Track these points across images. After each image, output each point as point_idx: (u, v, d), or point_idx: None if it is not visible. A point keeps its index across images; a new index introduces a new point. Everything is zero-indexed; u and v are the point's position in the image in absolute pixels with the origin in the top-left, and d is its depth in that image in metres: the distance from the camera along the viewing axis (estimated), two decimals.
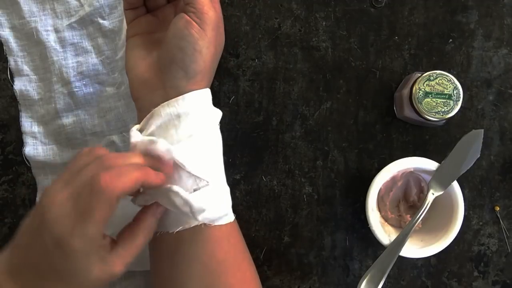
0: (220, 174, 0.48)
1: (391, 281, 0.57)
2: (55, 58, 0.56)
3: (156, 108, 0.46)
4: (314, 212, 0.57)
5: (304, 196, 0.57)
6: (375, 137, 0.57)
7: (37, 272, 0.39)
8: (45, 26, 0.56)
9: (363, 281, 0.48)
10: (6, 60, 0.57)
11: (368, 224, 0.52)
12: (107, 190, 0.37)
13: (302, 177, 0.57)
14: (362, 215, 0.56)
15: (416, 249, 0.51)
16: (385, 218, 0.55)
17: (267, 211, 0.57)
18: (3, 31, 0.57)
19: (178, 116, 0.45)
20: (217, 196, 0.46)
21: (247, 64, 0.57)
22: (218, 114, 0.49)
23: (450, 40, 0.57)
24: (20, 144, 0.57)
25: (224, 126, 0.57)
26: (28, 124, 0.57)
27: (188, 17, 0.45)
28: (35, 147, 0.56)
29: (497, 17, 0.57)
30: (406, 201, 0.55)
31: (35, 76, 0.57)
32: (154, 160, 0.43)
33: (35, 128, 0.57)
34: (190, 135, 0.45)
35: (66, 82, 0.56)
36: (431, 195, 0.51)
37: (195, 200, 0.43)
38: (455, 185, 0.51)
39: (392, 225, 0.55)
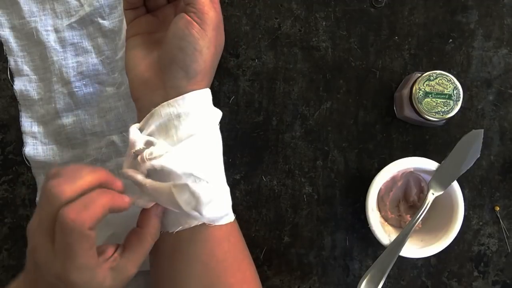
0: (220, 174, 0.48)
1: (391, 281, 0.57)
2: (55, 58, 0.56)
3: (156, 108, 0.46)
4: (314, 212, 0.57)
5: (304, 196, 0.57)
6: (375, 137, 0.57)
7: None
8: (45, 26, 0.56)
9: (363, 281, 0.48)
10: (6, 60, 0.57)
11: (368, 224, 0.52)
12: (77, 226, 0.37)
13: (302, 177, 0.57)
14: (362, 215, 0.56)
15: (416, 249, 0.51)
16: (385, 218, 0.55)
17: (267, 211, 0.57)
18: (3, 31, 0.57)
19: (178, 116, 0.45)
20: (217, 196, 0.46)
21: (247, 64, 0.57)
22: (218, 114, 0.49)
23: (450, 40, 0.57)
24: (20, 144, 0.57)
25: (224, 126, 0.57)
26: (28, 124, 0.57)
27: (188, 17, 0.45)
28: (35, 147, 0.56)
29: (497, 17, 0.57)
30: (406, 201, 0.55)
31: (35, 76, 0.57)
32: (107, 175, 0.42)
33: (35, 128, 0.57)
34: (190, 135, 0.45)
35: (66, 82, 0.56)
36: (431, 195, 0.51)
37: (203, 192, 0.43)
38: (455, 185, 0.51)
39: (392, 225, 0.55)
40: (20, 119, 0.57)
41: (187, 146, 0.45)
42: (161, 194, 0.43)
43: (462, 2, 0.57)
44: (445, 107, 0.50)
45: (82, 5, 0.56)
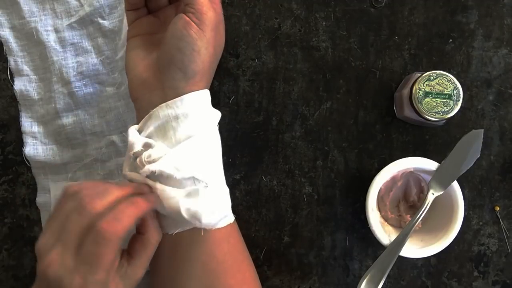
0: (219, 176, 0.47)
1: (391, 281, 0.57)
2: (55, 58, 0.56)
3: (154, 110, 0.45)
4: (314, 212, 0.57)
5: (304, 196, 0.57)
6: (375, 137, 0.57)
7: None
8: (45, 26, 0.56)
9: (363, 281, 0.48)
10: (6, 60, 0.57)
11: (368, 224, 0.52)
12: (111, 237, 0.38)
13: (302, 177, 0.57)
14: (362, 215, 0.56)
15: (416, 249, 0.51)
16: (385, 218, 0.55)
17: (267, 211, 0.57)
18: (3, 31, 0.57)
19: (176, 118, 0.45)
20: (216, 198, 0.45)
21: (247, 64, 0.57)
22: (217, 115, 0.48)
23: (450, 40, 0.57)
24: (20, 144, 0.57)
25: (224, 126, 0.57)
26: (28, 124, 0.57)
27: (187, 18, 0.45)
28: (35, 147, 0.56)
29: (497, 17, 0.57)
30: (406, 201, 0.55)
31: (35, 76, 0.57)
32: (135, 185, 0.44)
33: (35, 128, 0.57)
34: (189, 137, 0.45)
35: (66, 82, 0.56)
36: (431, 195, 0.51)
37: (203, 200, 0.43)
38: (455, 185, 0.51)
39: (392, 225, 0.55)
40: (20, 119, 0.57)
41: (186, 148, 0.45)
42: (166, 198, 0.43)
43: (462, 2, 0.57)
44: (445, 107, 0.50)
45: (82, 5, 0.56)
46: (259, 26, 0.57)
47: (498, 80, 0.57)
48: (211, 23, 0.45)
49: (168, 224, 0.46)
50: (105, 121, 0.56)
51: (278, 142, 0.57)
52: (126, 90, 0.55)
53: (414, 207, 0.55)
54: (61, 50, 0.56)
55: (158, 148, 0.44)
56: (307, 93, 0.57)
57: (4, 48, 0.57)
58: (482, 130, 0.50)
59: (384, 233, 0.51)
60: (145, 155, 0.44)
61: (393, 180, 0.54)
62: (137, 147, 0.45)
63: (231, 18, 0.57)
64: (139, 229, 0.45)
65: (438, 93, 0.50)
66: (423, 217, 0.51)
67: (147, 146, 0.45)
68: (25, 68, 0.57)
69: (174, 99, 0.45)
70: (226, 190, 0.48)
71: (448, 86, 0.50)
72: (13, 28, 0.57)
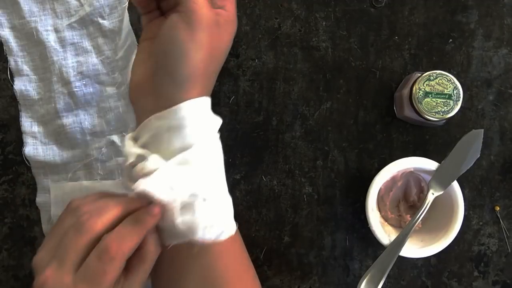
0: (219, 187, 0.44)
1: (391, 281, 0.57)
2: (55, 58, 0.56)
3: (147, 120, 0.43)
4: (314, 212, 0.57)
5: (304, 196, 0.57)
6: (375, 137, 0.57)
7: None
8: (45, 26, 0.56)
9: (363, 281, 0.48)
10: (6, 60, 0.57)
11: (368, 224, 0.52)
12: (117, 256, 0.38)
13: (302, 177, 0.57)
14: (362, 215, 0.56)
15: (416, 249, 0.51)
16: (385, 218, 0.55)
17: (267, 211, 0.57)
18: (3, 31, 0.57)
19: (169, 130, 0.42)
20: (215, 212, 0.43)
21: (247, 64, 0.57)
22: (217, 122, 0.45)
23: (450, 40, 0.57)
24: (20, 144, 0.57)
25: (224, 126, 0.57)
26: (28, 124, 0.57)
27: (176, 18, 0.41)
28: (35, 147, 0.56)
29: (497, 17, 0.57)
30: (406, 201, 0.55)
31: (35, 76, 0.57)
32: (136, 199, 0.41)
33: (35, 128, 0.57)
34: (184, 149, 0.42)
35: (66, 82, 0.56)
36: (431, 195, 0.51)
37: (190, 219, 0.41)
38: (455, 185, 0.51)
39: (392, 225, 0.55)
40: (20, 119, 0.57)
41: (181, 161, 0.42)
42: (165, 211, 0.41)
43: (462, 2, 0.57)
44: (445, 107, 0.50)
45: (82, 5, 0.56)
46: (259, 26, 0.57)
47: (498, 80, 0.57)
48: (203, 22, 0.41)
49: (165, 235, 0.43)
50: (105, 121, 0.56)
51: (278, 142, 0.57)
52: (126, 90, 0.55)
53: (414, 207, 0.55)
54: (61, 50, 0.56)
55: (152, 161, 0.41)
56: (307, 93, 0.57)
57: (4, 48, 0.57)
58: (482, 130, 0.50)
59: (384, 233, 0.51)
60: (139, 167, 0.42)
61: (393, 180, 0.54)
62: (131, 158, 0.42)
63: None
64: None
65: (438, 93, 0.50)
66: (423, 217, 0.51)
67: (141, 157, 0.42)
68: (25, 68, 0.57)
69: (167, 110, 0.42)
70: (227, 201, 0.45)
71: (448, 86, 0.50)
72: (13, 28, 0.57)
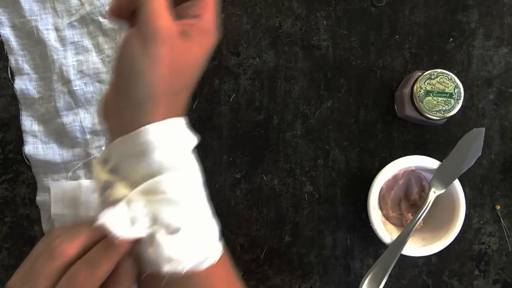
0: (197, 214, 0.39)
1: (392, 280, 0.57)
2: (55, 57, 0.56)
3: (112, 144, 0.39)
4: (315, 211, 0.57)
5: (305, 195, 0.57)
6: (376, 136, 0.57)
7: None
8: (46, 25, 0.56)
9: (365, 279, 0.48)
10: (6, 59, 0.57)
11: (369, 223, 0.52)
12: (87, 285, 0.35)
13: (303, 176, 0.57)
14: (363, 214, 0.56)
15: (417, 247, 0.51)
16: (387, 217, 0.55)
17: (268, 210, 0.57)
18: (4, 30, 0.56)
19: (132, 155, 0.38)
20: (193, 240, 0.38)
21: (248, 63, 0.57)
22: (191, 142, 0.40)
23: (451, 39, 0.57)
24: (21, 143, 0.57)
25: (225, 125, 0.57)
26: (28, 123, 0.56)
27: (131, 32, 0.37)
28: (35, 146, 0.56)
29: (497, 16, 0.57)
30: (407, 199, 0.55)
31: (36, 75, 0.57)
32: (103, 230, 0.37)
33: (35, 127, 0.56)
34: (152, 176, 0.37)
35: (66, 81, 0.56)
36: (433, 194, 0.51)
37: (151, 254, 0.37)
38: (457, 183, 0.51)
39: (393, 223, 0.55)
40: (20, 118, 0.56)
41: (146, 190, 0.38)
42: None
43: (462, 1, 0.57)
44: (446, 106, 0.51)
45: (82, 4, 0.56)
46: (260, 25, 0.57)
47: (498, 79, 0.57)
48: (159, 36, 0.36)
49: (140, 262, 0.39)
50: None
51: (279, 141, 0.57)
52: None
53: (415, 206, 0.55)
54: (62, 48, 0.56)
55: (117, 189, 0.38)
56: (308, 92, 0.57)
57: (5, 47, 0.57)
58: (483, 128, 0.50)
59: (386, 232, 0.51)
60: (108, 193, 0.38)
61: (395, 178, 0.54)
62: (99, 184, 0.39)
63: (232, 17, 0.57)
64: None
65: (439, 92, 0.50)
66: (425, 215, 0.51)
67: (108, 183, 0.39)
68: (26, 67, 0.57)
69: (129, 134, 0.38)
70: (210, 227, 0.40)
71: (449, 84, 0.51)
72: (13, 27, 0.57)
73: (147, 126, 0.37)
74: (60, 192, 0.56)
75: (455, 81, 0.51)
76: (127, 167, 0.38)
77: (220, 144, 0.57)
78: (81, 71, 0.56)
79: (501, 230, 0.57)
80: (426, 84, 0.50)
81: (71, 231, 0.38)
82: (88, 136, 0.56)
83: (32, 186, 0.57)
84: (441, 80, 0.51)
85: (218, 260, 0.40)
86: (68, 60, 0.56)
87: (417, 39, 0.57)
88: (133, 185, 0.38)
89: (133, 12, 0.39)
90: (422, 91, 0.50)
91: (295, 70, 0.57)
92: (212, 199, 0.53)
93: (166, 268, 0.37)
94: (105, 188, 0.39)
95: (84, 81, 0.56)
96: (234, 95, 0.57)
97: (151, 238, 0.37)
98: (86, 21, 0.56)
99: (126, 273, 0.38)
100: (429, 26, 0.57)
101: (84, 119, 0.56)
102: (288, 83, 0.57)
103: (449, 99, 0.51)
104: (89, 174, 0.57)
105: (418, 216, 0.50)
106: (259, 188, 0.57)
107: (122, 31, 0.56)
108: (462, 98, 0.51)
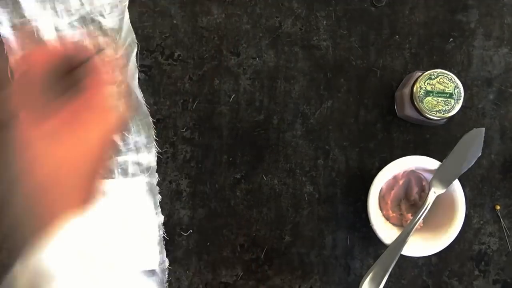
0: None
1: (392, 280, 0.57)
2: None
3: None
4: (315, 211, 0.57)
5: (305, 195, 0.57)
6: (376, 136, 0.57)
7: None
8: (46, 25, 0.56)
9: (365, 279, 0.48)
10: (6, 59, 0.57)
11: (369, 223, 0.52)
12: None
13: (303, 176, 0.57)
14: (363, 214, 0.56)
15: (417, 247, 0.51)
16: (387, 217, 0.55)
17: (268, 210, 0.57)
18: (4, 29, 0.56)
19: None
20: None
21: (248, 63, 0.57)
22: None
23: (451, 39, 0.57)
24: None
25: (225, 125, 0.57)
26: None
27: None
28: None
29: (497, 16, 0.57)
30: (407, 200, 0.55)
31: None
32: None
33: None
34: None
35: None
36: (433, 194, 0.51)
37: None
38: (456, 183, 0.51)
39: (393, 224, 0.55)
40: None
41: None
42: None
43: (462, 1, 0.57)
44: (446, 106, 0.51)
45: (82, 4, 0.56)
46: (260, 25, 0.57)
47: (498, 79, 0.57)
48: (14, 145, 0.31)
49: None
50: None
51: (279, 141, 0.57)
52: (127, 89, 0.55)
53: (415, 206, 0.55)
54: None
55: None
56: (308, 92, 0.57)
57: (5, 47, 0.57)
58: (483, 128, 0.50)
59: (386, 232, 0.51)
60: None
61: (395, 179, 0.54)
62: None
63: (232, 17, 0.57)
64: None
65: (439, 92, 0.50)
66: (425, 216, 0.51)
67: None
68: None
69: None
70: None
71: (449, 84, 0.51)
72: (13, 27, 0.57)
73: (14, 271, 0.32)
74: None
75: (455, 81, 0.51)
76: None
77: (220, 144, 0.57)
78: None
79: (501, 230, 0.57)
80: (426, 84, 0.50)
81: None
82: None
83: None
84: (441, 80, 0.51)
85: None
86: None
87: (417, 39, 0.57)
88: None
89: None
90: (422, 91, 0.50)
91: (295, 70, 0.57)
92: (212, 199, 0.53)
93: None
94: None
95: None
96: (234, 95, 0.57)
97: None
98: (86, 21, 0.56)
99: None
100: (429, 26, 0.57)
101: None
102: (288, 83, 0.57)
103: (449, 99, 0.51)
104: None
105: (418, 216, 0.50)
106: (259, 188, 0.57)
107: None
108: (462, 98, 0.51)
